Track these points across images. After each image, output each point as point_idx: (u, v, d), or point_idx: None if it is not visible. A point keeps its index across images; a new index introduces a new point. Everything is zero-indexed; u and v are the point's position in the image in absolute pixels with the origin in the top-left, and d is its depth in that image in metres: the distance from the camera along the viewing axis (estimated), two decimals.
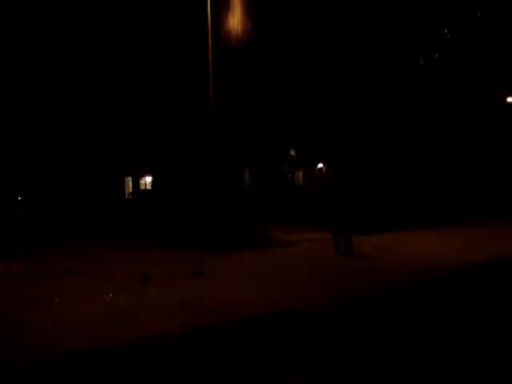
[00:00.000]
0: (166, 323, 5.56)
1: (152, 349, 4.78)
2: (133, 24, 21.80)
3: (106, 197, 22.19)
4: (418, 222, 15.94)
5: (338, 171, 11.23)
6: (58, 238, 14.77)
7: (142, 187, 25.94)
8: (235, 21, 18.93)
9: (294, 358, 4.45)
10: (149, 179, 25.88)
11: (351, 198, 10.47)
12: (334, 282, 7.79)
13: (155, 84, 22.76)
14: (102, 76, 22.10)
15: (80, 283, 8.17)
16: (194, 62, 21.22)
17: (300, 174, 27.37)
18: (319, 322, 5.57)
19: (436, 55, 22.04)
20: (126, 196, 25.00)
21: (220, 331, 5.30)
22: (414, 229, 15.11)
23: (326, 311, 6.03)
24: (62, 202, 21.22)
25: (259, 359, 4.44)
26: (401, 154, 21.00)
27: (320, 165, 26.25)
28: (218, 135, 18.72)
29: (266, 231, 14.78)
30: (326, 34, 21.05)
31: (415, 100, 21.20)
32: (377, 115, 21.37)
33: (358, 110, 21.37)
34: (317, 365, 4.28)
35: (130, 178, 25.55)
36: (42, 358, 4.59)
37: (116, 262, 10.25)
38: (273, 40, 21.42)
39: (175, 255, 11.20)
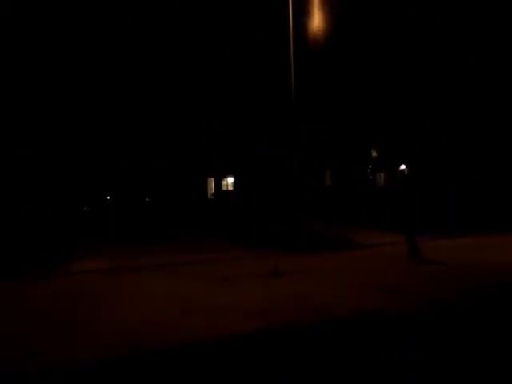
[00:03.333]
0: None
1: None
2: (210, 28, 22.52)
3: (189, 197, 23.08)
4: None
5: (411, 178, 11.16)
6: (150, 236, 15.69)
7: (224, 188, 26.64)
8: (314, 24, 19.02)
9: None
10: (231, 180, 26.54)
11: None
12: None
13: (233, 87, 23.34)
14: (184, 81, 23.01)
15: (180, 280, 8.69)
16: (275, 66, 21.53)
17: (381, 176, 26.88)
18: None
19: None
20: (209, 197, 25.79)
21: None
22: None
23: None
24: (149, 203, 22.33)
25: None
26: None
27: (402, 166, 25.56)
28: (299, 136, 18.90)
29: (346, 232, 14.73)
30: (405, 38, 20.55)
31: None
32: (455, 118, 20.44)
33: (442, 113, 20.59)
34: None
35: (213, 179, 26.32)
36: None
37: (200, 262, 10.76)
38: (353, 42, 21.25)
39: (259, 255, 11.51)
